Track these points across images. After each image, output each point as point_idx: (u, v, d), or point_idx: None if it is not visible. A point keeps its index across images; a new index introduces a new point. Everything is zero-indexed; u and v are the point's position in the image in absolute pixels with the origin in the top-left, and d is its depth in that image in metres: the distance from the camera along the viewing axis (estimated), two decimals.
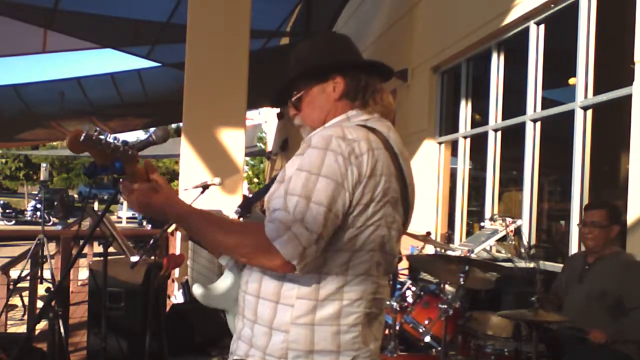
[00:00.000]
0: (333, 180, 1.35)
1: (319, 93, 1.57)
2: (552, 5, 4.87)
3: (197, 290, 1.62)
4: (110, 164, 1.38)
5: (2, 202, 27.28)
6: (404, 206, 1.52)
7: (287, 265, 1.34)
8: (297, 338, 1.39)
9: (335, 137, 1.39)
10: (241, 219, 1.61)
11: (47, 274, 4.98)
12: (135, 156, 1.41)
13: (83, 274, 8.26)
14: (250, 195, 1.65)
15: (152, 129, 1.53)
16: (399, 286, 3.67)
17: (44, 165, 5.18)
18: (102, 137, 1.33)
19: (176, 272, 6.39)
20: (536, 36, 5.16)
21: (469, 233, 6.34)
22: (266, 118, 25.96)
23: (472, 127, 6.46)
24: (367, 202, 1.40)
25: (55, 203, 25.96)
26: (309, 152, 1.39)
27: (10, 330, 5.51)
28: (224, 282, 1.60)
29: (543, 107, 5.12)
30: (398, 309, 3.47)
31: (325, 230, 1.35)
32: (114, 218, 26.51)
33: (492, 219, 4.95)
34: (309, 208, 1.33)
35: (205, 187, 4.12)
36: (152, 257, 4.47)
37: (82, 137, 1.31)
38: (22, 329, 5.80)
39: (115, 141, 1.36)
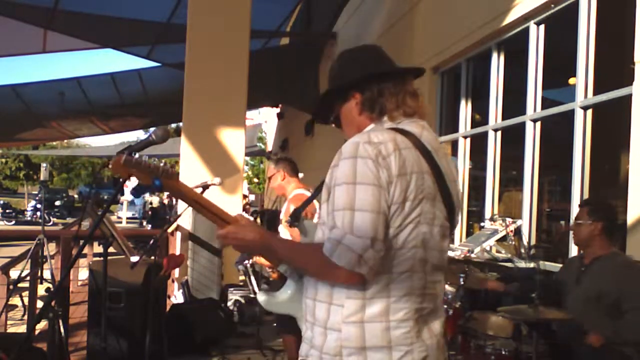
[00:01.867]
0: (370, 184, 1.43)
1: (348, 111, 1.68)
2: (552, 5, 4.87)
3: (260, 297, 1.75)
4: (151, 182, 1.53)
5: (2, 202, 27.23)
6: (445, 202, 1.57)
7: (353, 275, 1.42)
8: (348, 336, 1.46)
9: (362, 142, 1.47)
10: (293, 229, 1.75)
11: (47, 274, 4.97)
12: (175, 173, 1.56)
13: (83, 274, 8.26)
14: (299, 205, 1.83)
15: (152, 129, 1.63)
16: None
17: (44, 165, 5.18)
18: (141, 159, 1.51)
19: (176, 272, 6.39)
20: (536, 36, 5.16)
21: (469, 233, 6.34)
22: (266, 118, 25.97)
23: (472, 127, 6.46)
24: (402, 201, 1.46)
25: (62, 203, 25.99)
26: (341, 164, 1.47)
27: (10, 330, 5.49)
28: (286, 289, 1.72)
29: (543, 107, 5.12)
30: None
31: (377, 233, 1.42)
32: (114, 218, 26.50)
33: (492, 219, 4.95)
34: (354, 217, 1.41)
35: (205, 187, 4.11)
36: (152, 257, 4.48)
37: (122, 160, 1.49)
38: (22, 329, 5.79)
39: (155, 161, 1.52)
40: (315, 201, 4.07)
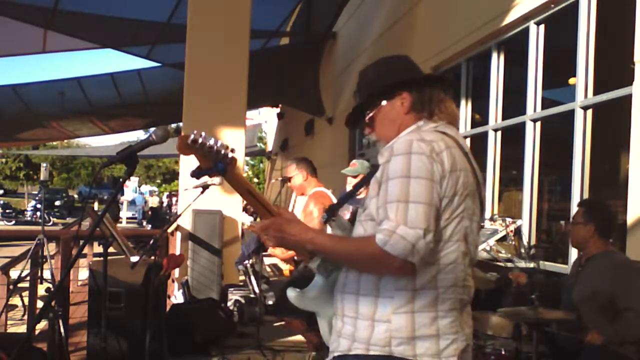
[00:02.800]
0: (424, 178, 1.49)
1: (389, 110, 1.72)
2: (552, 5, 4.87)
3: (291, 293, 1.74)
4: (214, 165, 1.49)
5: (2, 202, 27.22)
6: (479, 200, 1.67)
7: (406, 264, 1.46)
8: (399, 326, 1.51)
9: (416, 140, 1.53)
10: (327, 225, 1.75)
11: (47, 274, 4.97)
12: (234, 160, 1.52)
13: (83, 274, 8.26)
14: (334, 203, 1.82)
15: (152, 129, 1.57)
16: None
17: (44, 165, 5.17)
18: (206, 141, 1.44)
19: (176, 272, 6.39)
20: (536, 36, 5.16)
21: None
22: (266, 118, 25.97)
23: (472, 127, 6.46)
24: (452, 195, 1.53)
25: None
26: (395, 160, 1.52)
27: (10, 330, 5.49)
28: (315, 286, 1.71)
29: (543, 107, 5.12)
30: None
31: (429, 224, 1.47)
32: None
33: (492, 219, 4.95)
34: (408, 209, 1.46)
35: (205, 187, 4.12)
36: (152, 257, 4.47)
37: (189, 140, 1.44)
38: (22, 329, 5.79)
39: (217, 145, 1.46)
40: (332, 197, 4.07)
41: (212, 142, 1.45)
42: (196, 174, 1.53)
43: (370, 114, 1.74)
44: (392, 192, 1.49)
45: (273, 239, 1.62)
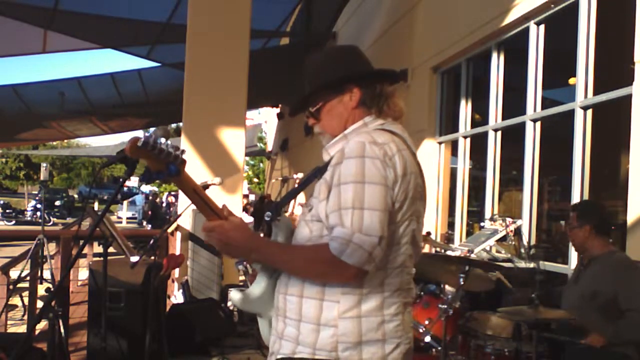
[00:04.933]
0: (378, 184, 1.46)
1: (337, 103, 1.67)
2: (552, 5, 4.87)
3: (234, 295, 1.69)
4: (165, 168, 1.43)
5: (2, 202, 27.22)
6: (424, 201, 1.67)
7: (360, 272, 1.46)
8: (345, 331, 1.48)
9: (368, 142, 1.49)
10: (272, 224, 1.67)
11: (47, 274, 4.97)
12: (185, 161, 1.46)
13: (83, 274, 8.26)
14: (278, 200, 1.74)
15: (152, 129, 1.52)
16: None
17: (44, 165, 5.17)
18: (157, 144, 1.39)
19: (176, 272, 6.39)
20: (536, 36, 5.16)
21: (469, 233, 6.34)
22: (266, 118, 25.99)
23: (472, 127, 6.46)
24: (403, 200, 1.52)
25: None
26: (347, 163, 1.48)
27: (10, 330, 5.50)
28: (258, 286, 1.66)
29: (543, 107, 5.12)
30: None
31: (384, 231, 1.46)
32: (114, 218, 26.48)
33: (492, 219, 4.94)
34: (364, 216, 1.44)
35: (205, 187, 4.11)
36: (152, 257, 4.47)
37: (139, 143, 1.37)
38: (22, 329, 5.80)
39: (167, 147, 1.41)
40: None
41: (163, 144, 1.41)
42: (146, 178, 1.47)
43: (317, 106, 1.68)
44: (345, 198, 1.45)
45: (217, 242, 1.56)
